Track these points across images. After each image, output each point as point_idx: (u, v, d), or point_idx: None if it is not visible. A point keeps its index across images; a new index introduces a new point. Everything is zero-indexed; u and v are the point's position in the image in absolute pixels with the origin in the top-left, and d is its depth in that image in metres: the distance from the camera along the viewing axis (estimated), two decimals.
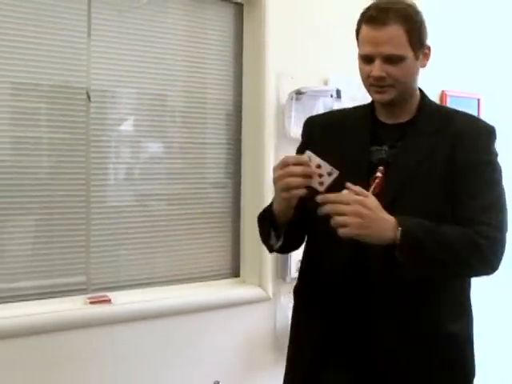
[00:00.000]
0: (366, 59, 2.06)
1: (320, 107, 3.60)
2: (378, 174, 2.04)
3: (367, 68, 2.05)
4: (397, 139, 2.11)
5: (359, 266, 2.04)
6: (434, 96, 4.06)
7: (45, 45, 3.02)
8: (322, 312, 2.15)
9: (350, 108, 2.37)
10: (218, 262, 3.64)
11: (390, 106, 2.13)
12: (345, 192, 1.88)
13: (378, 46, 2.01)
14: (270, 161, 3.46)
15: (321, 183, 1.89)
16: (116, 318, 3.12)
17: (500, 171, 2.11)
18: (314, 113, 3.37)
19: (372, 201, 1.88)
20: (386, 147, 2.11)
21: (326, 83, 3.70)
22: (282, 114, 3.56)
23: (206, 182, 3.60)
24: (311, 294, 2.21)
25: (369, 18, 2.03)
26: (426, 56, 2.11)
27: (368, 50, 2.03)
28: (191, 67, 3.50)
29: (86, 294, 3.18)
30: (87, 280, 3.20)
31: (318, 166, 1.89)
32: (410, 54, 2.02)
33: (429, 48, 2.12)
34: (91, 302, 3.13)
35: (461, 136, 2.07)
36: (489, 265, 2.01)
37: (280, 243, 2.11)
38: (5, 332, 2.83)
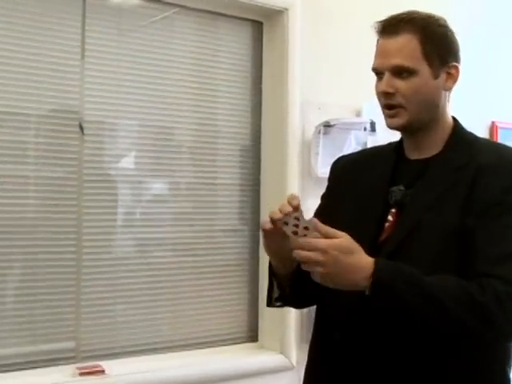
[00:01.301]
0: (377, 75, 1.92)
1: (352, 142, 3.44)
2: (389, 218, 1.91)
3: (377, 84, 1.92)
4: (416, 177, 1.93)
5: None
6: (482, 127, 4.10)
7: (31, 68, 2.79)
8: None
9: (383, 145, 2.19)
10: (232, 324, 3.37)
11: (413, 137, 1.96)
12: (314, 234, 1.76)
13: (387, 57, 1.88)
14: None
15: (295, 232, 1.76)
16: None
17: None
18: (345, 149, 3.31)
19: (338, 245, 1.70)
20: (401, 186, 1.94)
21: (358, 114, 3.55)
22: (307, 150, 3.37)
23: (218, 228, 3.36)
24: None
25: (381, 28, 1.91)
26: (452, 77, 1.92)
27: (377, 62, 1.91)
28: (201, 95, 3.26)
29: (76, 363, 2.90)
30: (77, 346, 2.93)
31: (297, 218, 1.77)
32: (424, 68, 1.85)
33: (456, 68, 1.92)
34: (81, 373, 2.84)
35: (482, 172, 1.85)
36: (497, 328, 1.77)
37: (277, 295, 2.01)
38: None
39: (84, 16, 2.88)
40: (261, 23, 3.37)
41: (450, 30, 1.93)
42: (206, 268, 3.27)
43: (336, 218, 1.96)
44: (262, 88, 3.43)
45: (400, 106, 1.88)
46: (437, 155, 1.94)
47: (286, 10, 3.24)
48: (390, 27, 1.87)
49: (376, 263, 1.72)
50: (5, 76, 2.71)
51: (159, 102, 3.12)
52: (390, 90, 1.86)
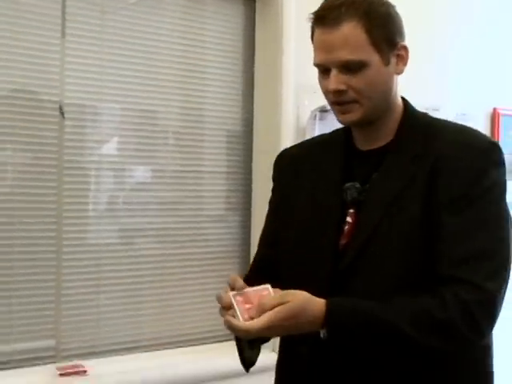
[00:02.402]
0: (321, 70, 1.77)
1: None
2: (348, 220, 1.80)
3: (324, 82, 1.77)
4: (371, 171, 1.82)
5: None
6: (483, 114, 4.01)
7: (7, 46, 2.68)
8: None
9: (327, 134, 2.06)
10: (221, 320, 3.17)
11: (363, 127, 1.85)
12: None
13: (331, 51, 1.71)
14: None
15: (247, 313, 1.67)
16: None
17: (500, 204, 1.76)
18: None
19: (277, 319, 1.59)
20: (357, 183, 1.82)
21: None
22: (302, 136, 3.21)
23: (205, 217, 3.27)
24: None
25: (319, 17, 1.74)
26: (402, 59, 1.79)
27: (319, 58, 1.75)
28: (189, 77, 3.17)
29: (56, 362, 2.81)
30: (57, 345, 2.84)
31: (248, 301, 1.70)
32: (374, 57, 1.71)
33: (405, 48, 1.80)
34: (61, 374, 2.76)
35: (442, 160, 1.74)
36: (467, 338, 1.68)
37: (250, 354, 1.92)
38: None
39: None
40: (253, 1, 3.29)
41: (392, 6, 1.80)
42: (193, 259, 3.18)
43: (288, 225, 1.92)
44: (254, 70, 3.34)
45: (353, 101, 1.76)
46: (390, 144, 1.83)
47: None
48: (331, 16, 1.71)
49: (326, 312, 1.64)
50: None
51: (144, 84, 3.03)
52: (342, 88, 1.74)
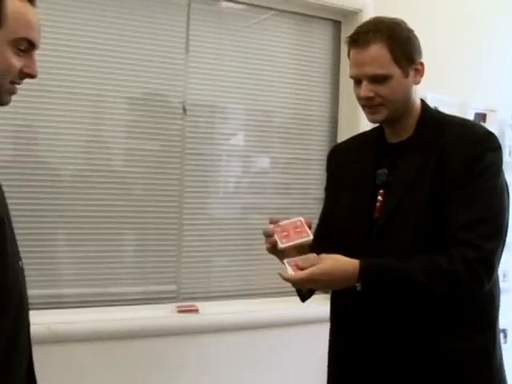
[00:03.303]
0: (355, 81, 2.10)
1: None
2: (379, 198, 2.10)
3: (357, 90, 2.09)
4: (395, 159, 2.12)
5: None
6: None
7: (142, 60, 3.18)
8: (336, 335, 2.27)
9: (367, 131, 2.36)
10: None
11: (390, 124, 2.15)
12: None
13: (363, 67, 2.04)
14: None
15: (285, 238, 2.03)
16: (202, 327, 3.20)
17: (496, 180, 2.02)
18: None
19: (317, 272, 1.91)
20: (385, 169, 2.13)
21: None
22: None
23: (310, 196, 3.63)
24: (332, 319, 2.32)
25: (353, 40, 2.07)
26: (419, 72, 2.10)
27: (354, 71, 2.08)
28: (294, 84, 3.61)
29: (176, 302, 3.28)
30: (177, 289, 3.31)
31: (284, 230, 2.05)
32: (396, 71, 2.03)
33: (421, 64, 2.10)
34: (179, 311, 3.22)
35: (447, 147, 2.02)
36: (470, 288, 1.96)
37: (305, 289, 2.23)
38: (100, 334, 2.99)
39: (188, 18, 3.26)
40: (339, 22, 3.66)
41: (410, 31, 2.09)
42: None
43: (336, 205, 2.26)
44: (339, 79, 3.68)
45: (379, 105, 2.05)
46: (410, 137, 2.11)
47: (361, 10, 3.54)
48: (361, 39, 2.02)
49: (360, 268, 1.91)
50: (123, 67, 3.11)
51: (260, 89, 3.49)
52: (370, 95, 2.03)
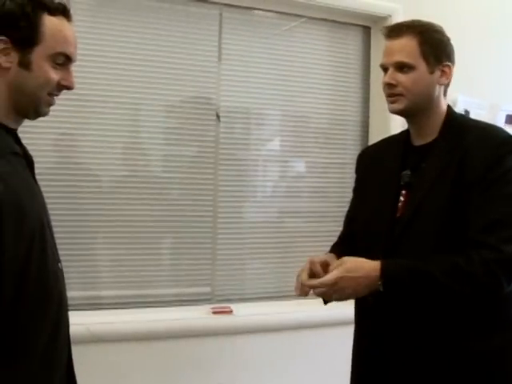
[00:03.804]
0: (383, 70, 2.16)
1: None
2: (401, 199, 2.14)
3: (383, 78, 2.15)
4: (419, 161, 2.15)
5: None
6: None
7: (178, 69, 3.28)
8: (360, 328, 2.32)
9: (396, 134, 2.40)
10: None
11: (414, 124, 2.19)
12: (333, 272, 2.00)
13: (391, 55, 2.11)
14: None
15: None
16: (237, 328, 3.27)
17: None
18: None
19: (343, 272, 1.97)
20: (409, 171, 2.16)
21: (453, 104, 3.32)
22: None
23: (345, 200, 3.52)
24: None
25: (388, 31, 2.15)
26: (445, 74, 2.14)
27: (383, 60, 2.15)
28: (322, 89, 3.66)
29: (210, 304, 3.35)
30: (212, 291, 3.38)
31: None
32: (421, 65, 2.09)
33: (449, 67, 2.14)
34: (214, 312, 3.29)
35: (469, 150, 2.04)
36: (488, 288, 1.98)
37: None
38: (137, 334, 3.08)
39: (221, 27, 3.34)
40: (369, 28, 3.72)
41: (446, 36, 2.15)
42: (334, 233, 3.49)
43: (362, 204, 2.31)
44: (370, 83, 3.73)
45: (400, 95, 2.10)
46: (434, 140, 2.14)
47: (390, 16, 3.58)
48: (394, 31, 2.11)
49: (381, 268, 1.96)
50: (159, 76, 3.21)
51: (287, 95, 3.53)
52: (393, 82, 2.09)
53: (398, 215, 2.13)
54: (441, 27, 2.17)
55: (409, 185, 2.15)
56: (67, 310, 1.77)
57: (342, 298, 2.01)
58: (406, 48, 2.08)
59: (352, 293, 2.00)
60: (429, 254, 2.00)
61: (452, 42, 2.17)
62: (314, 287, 2.00)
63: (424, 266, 1.97)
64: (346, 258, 2.01)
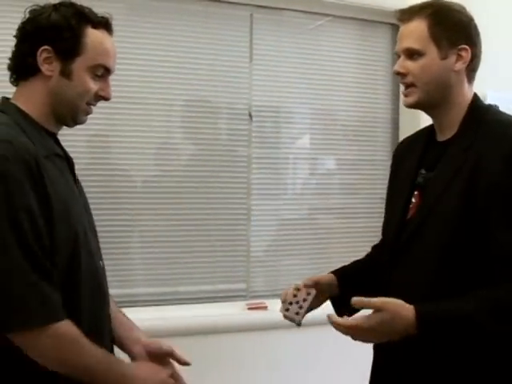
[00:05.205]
0: (397, 57, 1.97)
1: None
2: (413, 200, 1.98)
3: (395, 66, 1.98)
4: (436, 160, 1.94)
5: None
6: None
7: (212, 70, 3.33)
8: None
9: (426, 127, 2.14)
10: None
11: (434, 117, 1.99)
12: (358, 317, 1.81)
13: (400, 40, 1.93)
14: None
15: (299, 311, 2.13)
16: (271, 324, 3.24)
17: None
18: None
19: (370, 325, 1.74)
20: (423, 170, 1.99)
21: (483, 100, 3.52)
22: None
23: (376, 196, 3.62)
24: None
25: (399, 15, 1.96)
26: (462, 58, 1.88)
27: (396, 46, 1.96)
28: (354, 86, 3.70)
29: (245, 300, 3.41)
30: (247, 287, 3.44)
31: (295, 295, 2.14)
32: (431, 50, 1.87)
33: (466, 50, 1.89)
34: (249, 308, 3.35)
35: (483, 155, 1.80)
36: None
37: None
38: (173, 331, 3.08)
39: (251, 28, 3.39)
40: (397, 26, 3.63)
41: (466, 16, 1.91)
42: (364, 229, 3.57)
43: (386, 204, 2.18)
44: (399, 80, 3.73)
45: (412, 85, 1.89)
46: (453, 136, 1.91)
47: None
48: (405, 15, 1.91)
49: (417, 319, 1.70)
50: (191, 77, 3.25)
51: (317, 93, 3.57)
52: (402, 70, 1.89)
53: (408, 217, 1.97)
54: (462, 6, 1.94)
55: (423, 186, 1.96)
56: (109, 304, 1.86)
57: (365, 341, 1.84)
58: (415, 32, 1.87)
59: (378, 341, 1.85)
60: (436, 257, 1.84)
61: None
62: (349, 328, 1.78)
63: (463, 310, 1.74)
64: (386, 304, 1.73)
